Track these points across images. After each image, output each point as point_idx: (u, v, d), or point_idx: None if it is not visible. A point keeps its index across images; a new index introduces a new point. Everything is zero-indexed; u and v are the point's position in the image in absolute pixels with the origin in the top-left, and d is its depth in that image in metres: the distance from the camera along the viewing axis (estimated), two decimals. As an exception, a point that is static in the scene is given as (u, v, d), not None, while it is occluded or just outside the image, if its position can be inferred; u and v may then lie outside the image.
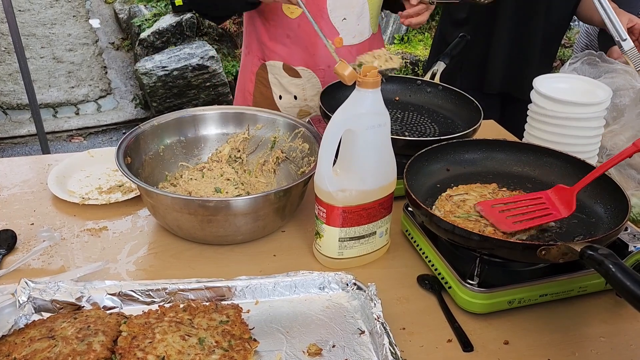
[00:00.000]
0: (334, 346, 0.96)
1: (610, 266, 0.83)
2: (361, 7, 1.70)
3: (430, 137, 1.51)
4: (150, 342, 0.90)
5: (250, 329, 0.98)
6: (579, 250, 0.89)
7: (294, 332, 0.99)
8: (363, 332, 0.99)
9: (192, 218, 1.17)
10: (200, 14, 1.72)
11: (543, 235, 1.12)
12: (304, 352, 0.95)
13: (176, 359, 0.87)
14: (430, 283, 1.13)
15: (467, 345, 0.99)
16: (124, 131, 4.53)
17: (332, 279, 1.07)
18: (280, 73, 1.77)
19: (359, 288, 1.05)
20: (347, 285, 1.07)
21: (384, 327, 0.95)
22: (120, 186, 1.43)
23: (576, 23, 4.89)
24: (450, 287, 1.08)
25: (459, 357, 0.98)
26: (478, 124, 1.44)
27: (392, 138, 1.14)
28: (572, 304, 1.09)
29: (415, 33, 5.66)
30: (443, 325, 1.04)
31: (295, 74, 1.75)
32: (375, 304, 0.99)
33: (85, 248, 1.22)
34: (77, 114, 4.74)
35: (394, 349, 0.91)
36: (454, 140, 1.32)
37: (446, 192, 1.24)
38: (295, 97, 1.78)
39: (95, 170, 1.51)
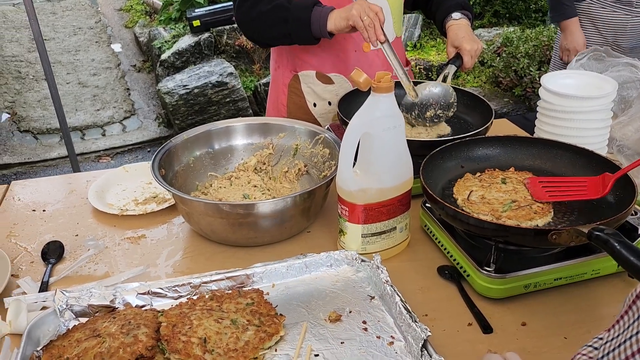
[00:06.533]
0: (350, 312, 1.07)
1: (616, 244, 0.89)
2: (384, 11, 1.77)
3: (444, 136, 1.58)
4: (190, 328, 0.99)
5: (274, 307, 1.07)
6: (587, 232, 0.95)
7: (312, 305, 1.10)
8: (373, 297, 1.11)
9: (224, 222, 1.26)
10: (249, 39, 1.79)
11: (555, 222, 1.18)
12: (325, 319, 1.06)
13: (216, 339, 0.97)
14: (450, 273, 1.19)
15: (487, 328, 1.05)
16: (148, 149, 4.68)
17: (338, 256, 1.19)
18: (314, 81, 1.82)
19: (363, 261, 1.17)
20: (352, 260, 1.18)
21: (394, 289, 1.05)
22: (154, 197, 1.53)
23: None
24: (468, 275, 1.15)
25: (480, 339, 1.04)
26: (490, 122, 1.51)
27: (407, 139, 1.21)
28: (586, 287, 1.15)
29: (428, 39, 5.73)
30: (463, 311, 1.10)
31: (328, 81, 1.81)
32: (382, 271, 1.10)
33: (127, 255, 1.32)
34: (104, 135, 4.91)
35: (405, 304, 1.01)
36: (467, 139, 1.38)
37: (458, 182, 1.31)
38: (330, 103, 1.84)
39: (130, 184, 1.61)
